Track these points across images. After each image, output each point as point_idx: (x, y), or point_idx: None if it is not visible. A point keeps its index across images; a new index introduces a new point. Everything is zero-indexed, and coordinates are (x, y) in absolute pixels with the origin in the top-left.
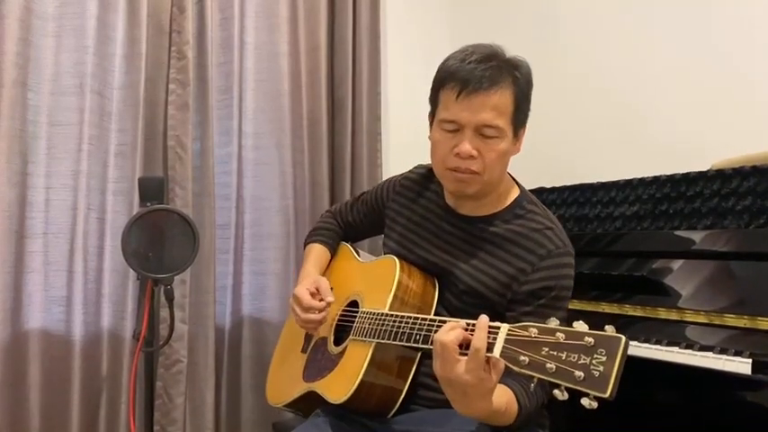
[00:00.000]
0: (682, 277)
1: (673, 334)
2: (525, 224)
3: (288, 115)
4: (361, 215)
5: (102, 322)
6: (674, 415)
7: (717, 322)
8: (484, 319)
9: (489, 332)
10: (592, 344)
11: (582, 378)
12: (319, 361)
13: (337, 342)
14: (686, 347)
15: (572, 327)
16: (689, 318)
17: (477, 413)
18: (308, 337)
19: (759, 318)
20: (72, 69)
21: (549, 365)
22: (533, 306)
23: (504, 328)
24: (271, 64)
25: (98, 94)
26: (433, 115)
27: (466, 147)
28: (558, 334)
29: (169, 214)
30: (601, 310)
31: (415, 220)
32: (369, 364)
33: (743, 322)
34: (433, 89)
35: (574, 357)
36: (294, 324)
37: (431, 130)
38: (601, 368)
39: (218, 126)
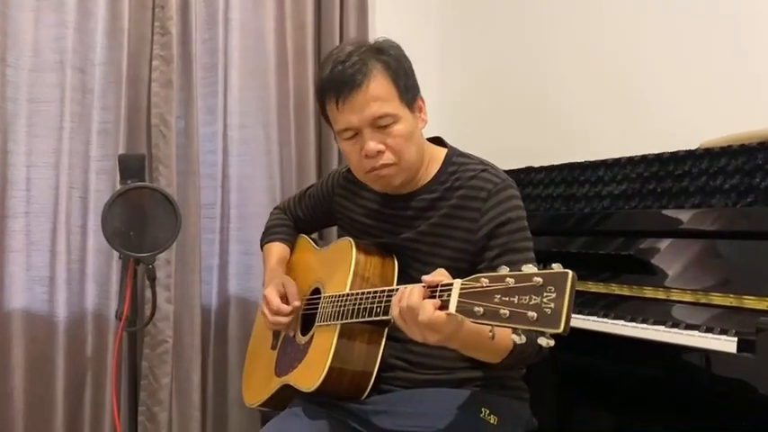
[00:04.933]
0: (669, 256)
1: (659, 313)
2: (461, 176)
3: (274, 94)
4: (310, 210)
5: (86, 302)
6: (660, 393)
7: (703, 301)
8: (428, 278)
9: (443, 290)
10: (541, 283)
11: (535, 318)
12: (289, 354)
13: (305, 332)
14: (672, 326)
15: (521, 270)
16: (675, 297)
17: (463, 350)
18: (276, 333)
19: (745, 296)
20: (52, 45)
21: (502, 311)
22: (498, 248)
23: (457, 283)
24: (256, 41)
25: (79, 71)
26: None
27: (370, 146)
28: (508, 279)
29: (150, 192)
30: (587, 289)
31: (360, 212)
32: (335, 348)
33: (729, 301)
34: (320, 108)
35: (525, 299)
36: (262, 322)
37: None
38: (552, 305)
39: (203, 104)
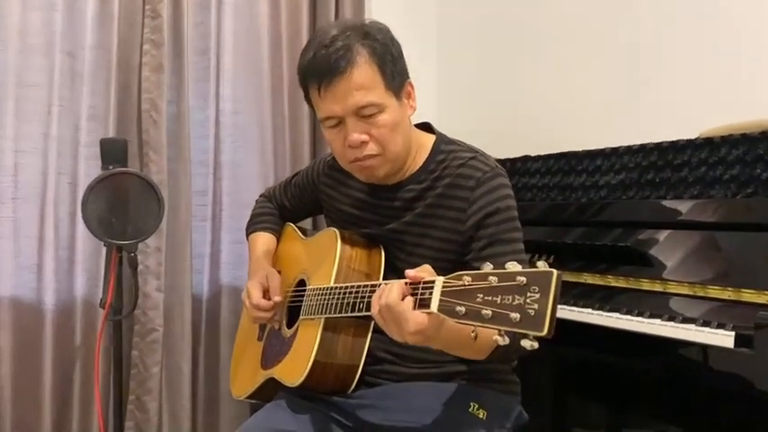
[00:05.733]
0: (666, 248)
1: (655, 305)
2: (449, 164)
3: (268, 79)
4: (296, 198)
5: (75, 290)
6: (656, 388)
7: (700, 294)
8: (411, 273)
9: (424, 288)
10: (524, 283)
11: (518, 320)
12: (275, 346)
13: (290, 324)
14: (669, 319)
15: (505, 268)
16: (672, 289)
17: (445, 349)
18: (262, 325)
19: (743, 290)
20: (40, 27)
21: (484, 312)
22: (486, 239)
23: (440, 281)
24: (250, 25)
25: (68, 54)
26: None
27: (353, 136)
28: (491, 278)
29: (132, 178)
30: (583, 281)
31: (346, 201)
32: (320, 343)
33: (727, 294)
34: (303, 92)
35: (508, 299)
36: (247, 317)
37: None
38: (536, 306)
39: (195, 89)
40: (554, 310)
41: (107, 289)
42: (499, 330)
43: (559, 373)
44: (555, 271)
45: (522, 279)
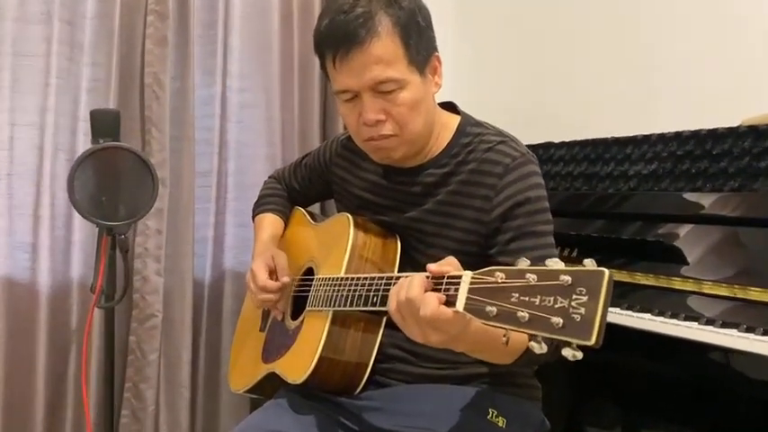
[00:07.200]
0: (701, 244)
1: (690, 307)
2: (475, 147)
3: (277, 56)
4: (306, 180)
5: (72, 272)
6: (692, 400)
7: (740, 296)
8: (433, 267)
9: (449, 283)
10: (569, 282)
11: (561, 325)
12: (277, 338)
13: (295, 315)
14: (707, 323)
15: (545, 265)
16: (708, 289)
17: (469, 352)
18: (265, 315)
19: None
20: None
21: (520, 314)
22: (513, 231)
23: (467, 276)
24: None
25: (68, 24)
26: None
27: (368, 115)
28: (529, 275)
29: (124, 153)
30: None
31: (360, 185)
32: (327, 337)
33: None
34: (319, 60)
35: (549, 301)
36: (251, 301)
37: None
38: (582, 310)
39: (200, 64)
40: (604, 316)
41: (97, 273)
42: (536, 336)
43: (577, 377)
44: (606, 270)
45: (567, 278)
